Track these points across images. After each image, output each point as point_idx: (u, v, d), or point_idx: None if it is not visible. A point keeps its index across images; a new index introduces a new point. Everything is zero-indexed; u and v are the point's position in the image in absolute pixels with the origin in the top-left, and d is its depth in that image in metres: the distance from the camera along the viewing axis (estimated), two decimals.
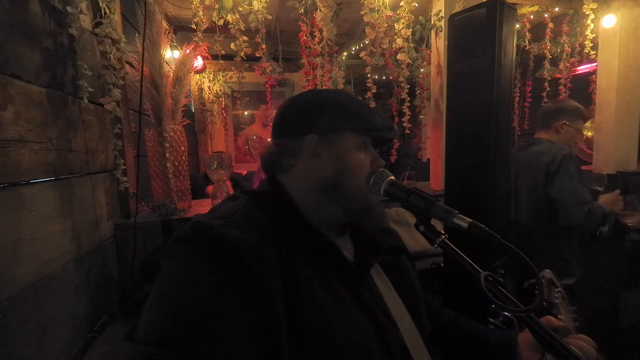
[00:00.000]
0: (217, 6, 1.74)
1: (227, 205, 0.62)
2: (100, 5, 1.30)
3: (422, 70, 2.26)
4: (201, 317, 0.45)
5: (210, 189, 1.99)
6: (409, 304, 0.68)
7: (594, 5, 2.08)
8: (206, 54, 1.84)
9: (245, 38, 1.81)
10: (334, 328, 0.53)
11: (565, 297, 0.76)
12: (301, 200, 0.66)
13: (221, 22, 1.76)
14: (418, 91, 2.28)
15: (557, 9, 2.42)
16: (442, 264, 1.50)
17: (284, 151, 0.68)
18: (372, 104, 2.04)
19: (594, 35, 2.22)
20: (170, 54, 2.19)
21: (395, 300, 0.67)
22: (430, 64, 2.15)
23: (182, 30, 2.78)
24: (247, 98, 2.30)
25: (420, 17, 2.10)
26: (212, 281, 0.48)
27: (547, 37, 2.46)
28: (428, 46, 2.20)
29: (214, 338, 0.45)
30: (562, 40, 2.53)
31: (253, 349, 0.47)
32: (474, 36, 1.15)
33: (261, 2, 1.76)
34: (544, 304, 0.73)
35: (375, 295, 0.65)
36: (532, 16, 2.52)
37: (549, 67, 2.54)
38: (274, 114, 0.75)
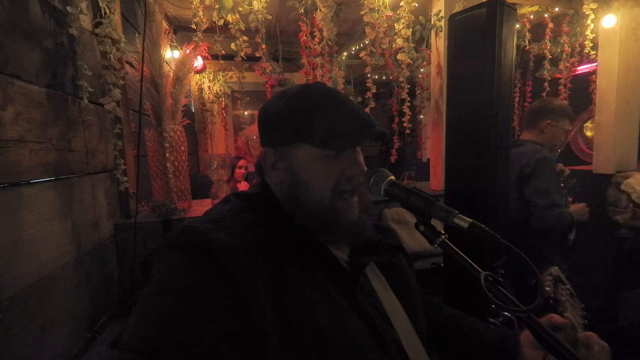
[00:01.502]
0: (217, 6, 1.74)
1: (218, 208, 0.63)
2: (100, 5, 1.31)
3: (422, 70, 2.27)
4: (182, 325, 0.46)
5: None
6: (405, 303, 0.67)
7: (594, 5, 2.08)
8: (206, 54, 1.84)
9: (245, 38, 1.81)
10: (325, 330, 0.53)
11: (574, 294, 0.75)
12: (285, 205, 0.65)
13: (221, 22, 1.76)
14: (418, 91, 2.28)
15: (557, 9, 2.42)
16: (442, 264, 1.50)
17: (261, 159, 0.69)
18: (372, 104, 2.04)
19: (594, 35, 2.22)
20: (170, 54, 2.19)
21: (391, 299, 0.67)
22: (430, 64, 2.15)
23: (182, 30, 2.78)
24: (248, 98, 2.31)
25: (420, 17, 2.10)
26: (196, 287, 0.49)
27: (547, 37, 2.46)
28: (428, 46, 2.21)
29: (194, 345, 0.45)
30: (562, 40, 2.53)
31: (235, 356, 0.47)
32: (474, 36, 1.15)
33: (261, 2, 1.76)
34: (551, 301, 0.71)
35: (370, 296, 0.64)
36: (532, 16, 2.52)
37: (549, 67, 2.54)
38: None
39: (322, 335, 0.52)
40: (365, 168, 0.66)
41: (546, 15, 2.41)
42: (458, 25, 1.20)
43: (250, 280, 0.50)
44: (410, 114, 2.11)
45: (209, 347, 0.46)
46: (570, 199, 1.72)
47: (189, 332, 0.46)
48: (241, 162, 2.73)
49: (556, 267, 0.77)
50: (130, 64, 1.56)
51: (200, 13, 1.73)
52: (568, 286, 0.75)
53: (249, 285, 0.50)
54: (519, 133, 3.41)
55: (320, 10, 1.82)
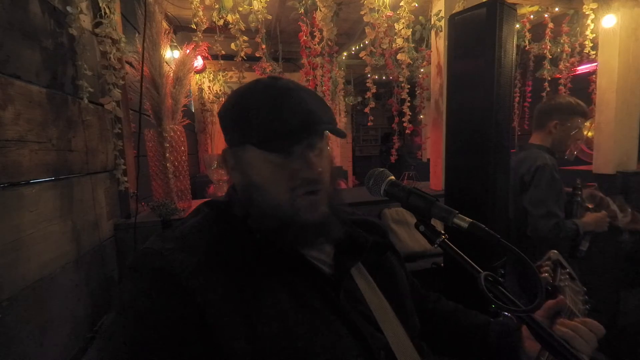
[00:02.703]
0: (217, 6, 1.74)
1: (186, 222, 0.61)
2: (100, 5, 1.30)
3: (422, 70, 2.26)
4: (146, 355, 0.46)
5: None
6: (395, 303, 0.65)
7: (594, 5, 2.08)
8: (206, 54, 1.84)
9: (245, 38, 1.81)
10: (303, 342, 0.51)
11: (575, 277, 0.73)
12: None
13: (221, 22, 1.76)
14: (418, 91, 2.28)
15: (557, 9, 2.42)
16: (442, 264, 1.50)
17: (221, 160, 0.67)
18: (372, 104, 2.05)
19: (594, 35, 2.22)
20: (170, 54, 2.19)
21: (380, 301, 0.64)
22: (430, 64, 2.15)
23: (182, 30, 2.78)
24: None
25: (420, 17, 2.10)
26: (156, 312, 0.48)
27: (547, 37, 2.46)
28: (428, 46, 2.21)
29: None
30: (562, 40, 2.53)
31: None
32: (474, 36, 1.15)
33: (261, 2, 1.76)
34: (549, 287, 0.69)
35: (355, 299, 0.62)
36: (532, 16, 2.52)
37: (549, 67, 2.54)
38: None
39: (299, 347, 0.51)
40: (320, 169, 0.59)
41: (546, 15, 2.41)
42: (458, 25, 1.20)
43: (213, 299, 0.49)
44: (410, 113, 2.11)
45: None
46: (590, 206, 1.64)
47: None
48: None
49: (555, 251, 0.75)
50: (130, 64, 1.56)
51: (200, 13, 1.73)
52: (568, 270, 0.73)
53: (213, 304, 0.48)
54: (519, 133, 3.41)
55: (320, 10, 1.82)
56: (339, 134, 0.62)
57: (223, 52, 1.82)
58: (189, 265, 0.50)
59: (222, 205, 0.65)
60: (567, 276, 0.72)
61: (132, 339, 0.47)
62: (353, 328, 0.56)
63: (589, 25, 2.18)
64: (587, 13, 2.13)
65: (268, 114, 0.57)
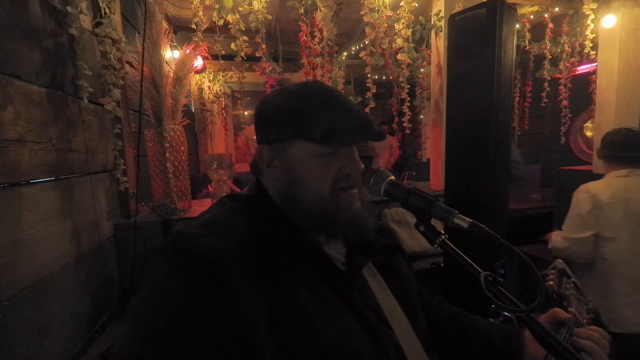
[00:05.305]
0: (217, 6, 1.74)
1: (211, 212, 0.62)
2: (100, 5, 1.31)
3: (422, 70, 2.27)
4: (169, 337, 0.46)
5: (209, 189, 1.99)
6: (404, 303, 0.67)
7: (594, 5, 2.08)
8: (206, 54, 1.84)
9: (245, 38, 1.81)
10: (320, 333, 0.52)
11: (579, 287, 0.74)
12: (281, 205, 0.64)
13: (221, 22, 1.76)
14: (418, 91, 2.28)
15: (557, 9, 2.42)
16: (442, 264, 1.50)
17: (256, 158, 0.68)
18: (372, 104, 2.05)
19: (594, 35, 2.22)
20: (170, 54, 2.19)
21: (390, 300, 0.66)
22: (430, 64, 2.15)
23: (182, 30, 2.78)
24: (248, 98, 2.31)
25: (420, 17, 2.10)
26: (185, 294, 0.48)
27: (547, 37, 2.46)
28: (428, 46, 2.21)
29: (183, 356, 0.45)
30: (562, 40, 2.53)
31: None
32: (474, 36, 1.15)
33: (261, 2, 1.76)
34: (554, 296, 0.70)
35: (367, 297, 0.63)
36: (532, 16, 2.52)
37: (549, 67, 2.54)
38: None
39: (316, 338, 0.52)
40: (362, 166, 0.65)
41: (546, 15, 2.41)
42: (458, 25, 1.20)
43: (240, 284, 0.50)
44: (410, 114, 2.11)
45: (198, 357, 0.46)
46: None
47: (175, 343, 0.46)
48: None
49: (561, 260, 0.76)
50: (130, 64, 1.56)
51: (200, 13, 1.73)
52: (573, 279, 0.74)
53: (240, 289, 0.49)
54: (519, 133, 3.41)
55: (320, 10, 1.82)
56: (382, 138, 0.66)
57: (223, 52, 1.82)
58: (217, 248, 0.51)
59: (245, 198, 0.66)
60: (572, 285, 0.73)
61: (158, 319, 0.47)
62: (365, 323, 0.58)
63: (589, 25, 2.18)
64: (587, 13, 2.12)
65: (336, 111, 0.62)
